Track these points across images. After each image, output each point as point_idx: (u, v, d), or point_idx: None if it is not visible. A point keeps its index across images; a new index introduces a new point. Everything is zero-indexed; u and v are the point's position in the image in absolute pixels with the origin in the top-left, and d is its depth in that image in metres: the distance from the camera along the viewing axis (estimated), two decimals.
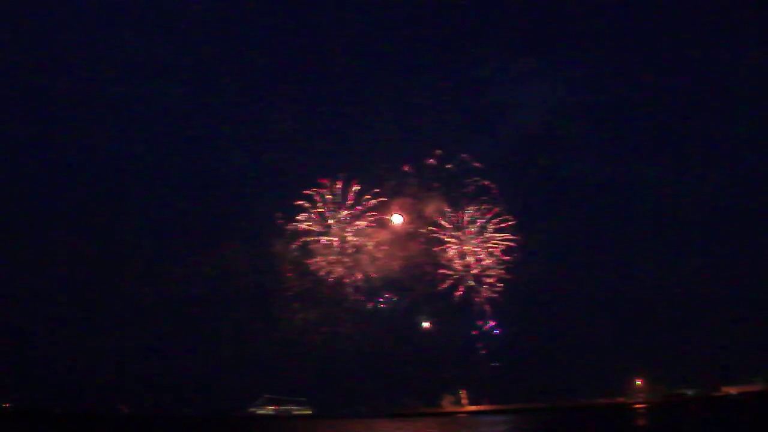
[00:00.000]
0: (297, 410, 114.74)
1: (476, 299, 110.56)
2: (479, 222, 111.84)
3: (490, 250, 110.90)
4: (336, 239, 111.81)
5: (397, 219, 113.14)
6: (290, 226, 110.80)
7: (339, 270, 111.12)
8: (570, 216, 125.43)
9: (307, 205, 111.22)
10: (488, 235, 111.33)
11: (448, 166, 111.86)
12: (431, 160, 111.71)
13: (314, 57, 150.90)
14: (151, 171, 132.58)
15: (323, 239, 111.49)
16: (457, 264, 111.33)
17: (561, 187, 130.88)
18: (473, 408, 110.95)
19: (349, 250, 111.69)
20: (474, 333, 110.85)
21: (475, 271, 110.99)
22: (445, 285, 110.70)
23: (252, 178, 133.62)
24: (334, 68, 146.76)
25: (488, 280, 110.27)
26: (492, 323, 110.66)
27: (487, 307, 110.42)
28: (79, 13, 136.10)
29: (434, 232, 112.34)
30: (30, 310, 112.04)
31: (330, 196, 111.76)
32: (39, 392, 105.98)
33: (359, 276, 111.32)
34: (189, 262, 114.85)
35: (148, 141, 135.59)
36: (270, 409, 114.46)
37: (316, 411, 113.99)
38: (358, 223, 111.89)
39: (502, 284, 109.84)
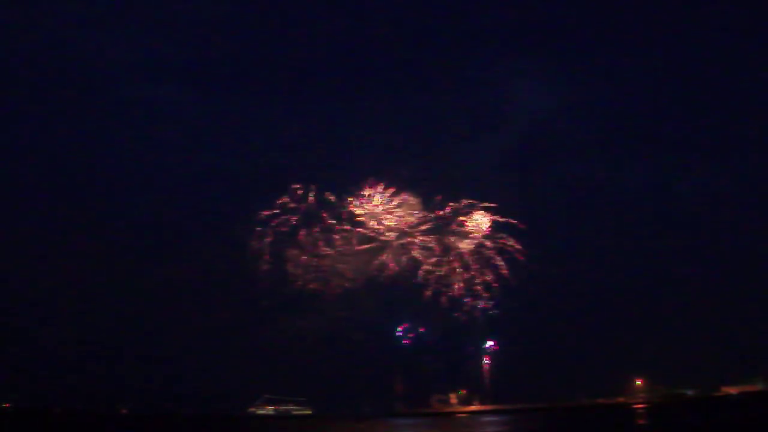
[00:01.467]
0: (297, 410, 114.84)
1: (466, 303, 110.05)
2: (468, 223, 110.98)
3: (482, 252, 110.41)
4: (311, 246, 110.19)
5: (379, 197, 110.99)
6: (262, 234, 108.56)
7: (316, 278, 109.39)
8: (570, 216, 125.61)
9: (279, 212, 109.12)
10: (481, 237, 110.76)
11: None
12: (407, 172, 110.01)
13: (306, 57, 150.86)
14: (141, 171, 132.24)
15: (295, 250, 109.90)
16: (445, 268, 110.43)
17: (560, 188, 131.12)
18: (473, 408, 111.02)
19: (324, 261, 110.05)
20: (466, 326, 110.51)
21: (464, 276, 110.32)
22: (430, 291, 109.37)
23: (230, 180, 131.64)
24: (325, 70, 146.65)
25: (478, 287, 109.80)
26: (490, 303, 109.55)
27: (477, 311, 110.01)
28: (78, 13, 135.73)
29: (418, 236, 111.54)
30: (29, 310, 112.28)
31: (311, 202, 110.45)
32: (39, 392, 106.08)
33: (337, 283, 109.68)
34: (181, 263, 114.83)
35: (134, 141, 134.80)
36: (270, 409, 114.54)
37: (316, 411, 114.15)
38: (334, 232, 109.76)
39: (490, 292, 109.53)
